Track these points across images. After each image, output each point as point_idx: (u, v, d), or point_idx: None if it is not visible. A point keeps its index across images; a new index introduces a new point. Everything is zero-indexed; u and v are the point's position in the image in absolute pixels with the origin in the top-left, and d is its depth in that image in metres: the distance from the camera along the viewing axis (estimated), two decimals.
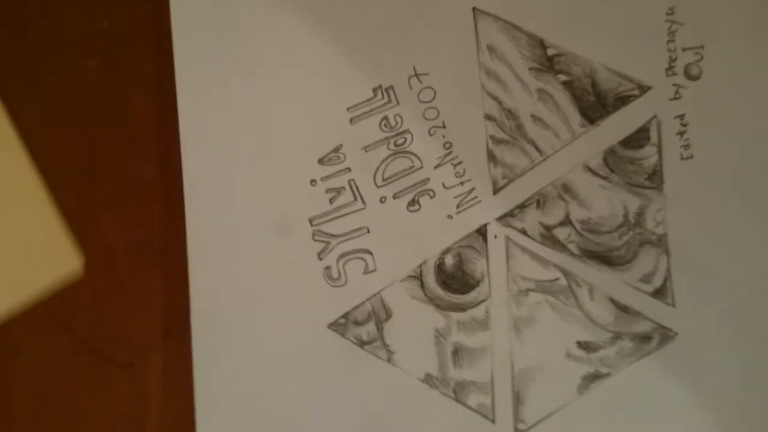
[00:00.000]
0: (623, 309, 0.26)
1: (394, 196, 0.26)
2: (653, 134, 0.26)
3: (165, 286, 0.26)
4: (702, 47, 0.26)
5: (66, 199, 0.26)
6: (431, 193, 0.26)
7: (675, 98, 0.26)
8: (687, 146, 0.26)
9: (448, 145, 0.26)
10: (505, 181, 0.26)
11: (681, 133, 0.26)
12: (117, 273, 0.26)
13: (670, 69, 0.26)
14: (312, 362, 0.25)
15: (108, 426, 0.26)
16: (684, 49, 0.26)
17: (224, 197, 0.25)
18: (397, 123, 0.25)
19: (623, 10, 0.26)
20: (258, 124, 0.25)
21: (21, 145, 0.25)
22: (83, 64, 0.26)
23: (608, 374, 0.25)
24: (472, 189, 0.26)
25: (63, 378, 0.26)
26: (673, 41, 0.25)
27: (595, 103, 0.26)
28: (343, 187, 0.25)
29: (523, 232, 0.26)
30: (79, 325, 0.26)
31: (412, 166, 0.26)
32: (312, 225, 0.25)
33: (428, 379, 0.25)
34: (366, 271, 0.25)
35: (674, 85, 0.26)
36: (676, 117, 0.26)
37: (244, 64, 0.25)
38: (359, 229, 0.25)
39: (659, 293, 0.26)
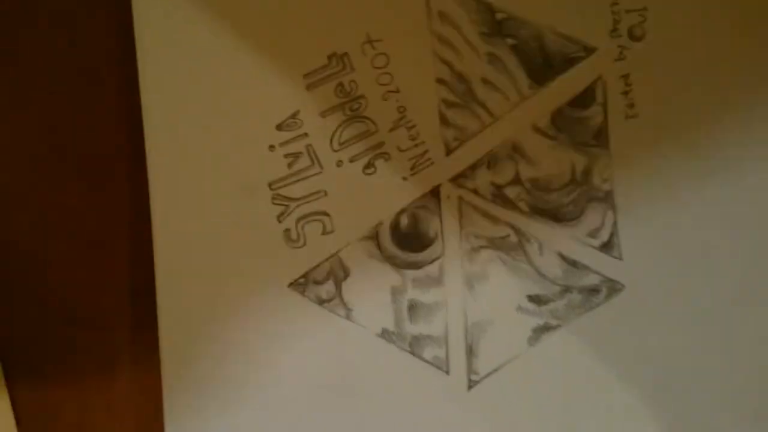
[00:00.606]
0: (572, 263, 0.27)
1: (351, 160, 0.26)
2: (599, 94, 0.26)
3: (132, 251, 0.27)
4: (645, 9, 0.26)
5: (32, 168, 0.27)
6: (386, 156, 0.26)
7: (619, 59, 0.26)
8: (631, 105, 0.26)
9: (401, 110, 0.26)
10: (457, 143, 0.27)
11: (625, 93, 0.26)
12: (86, 238, 0.27)
13: (614, 31, 0.26)
14: (274, 320, 0.26)
15: (80, 383, 0.27)
16: (627, 11, 0.26)
17: (186, 164, 0.26)
18: (352, 89, 0.26)
19: None
20: (218, 93, 0.26)
21: None
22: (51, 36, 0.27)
23: (558, 326, 0.27)
24: (426, 151, 0.27)
25: (35, 339, 0.27)
26: (617, 4, 0.26)
27: (542, 65, 0.26)
28: (301, 152, 0.26)
29: (475, 191, 0.27)
30: (50, 289, 0.27)
31: (368, 130, 0.26)
32: (271, 189, 0.26)
33: (385, 334, 0.26)
34: (324, 233, 0.26)
35: (619, 46, 0.26)
36: (620, 77, 0.26)
37: (204, 36, 0.26)
38: (317, 192, 0.26)
39: (606, 247, 0.27)
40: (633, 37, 0.26)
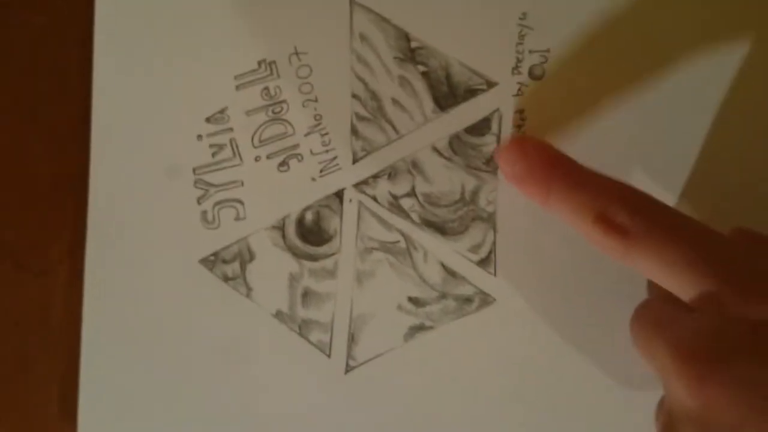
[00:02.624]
0: (451, 273, 0.29)
1: (268, 156, 0.30)
2: (494, 125, 0.29)
3: (75, 211, 0.31)
4: (548, 51, 0.29)
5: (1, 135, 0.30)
6: (299, 157, 0.30)
7: (517, 95, 0.29)
8: None
9: (318, 117, 0.29)
10: (364, 153, 0.29)
11: (519, 126, 0.29)
12: (39, 195, 0.31)
13: (516, 68, 0.29)
14: (183, 291, 0.30)
15: (18, 324, 0.31)
16: (531, 52, 0.29)
17: (124, 143, 0.29)
18: (276, 93, 0.29)
19: (480, 12, 0.29)
20: (158, 84, 0.29)
21: None
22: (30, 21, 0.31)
23: (431, 327, 0.29)
24: (335, 157, 0.30)
25: None
26: (521, 43, 0.29)
27: (447, 93, 0.29)
28: (225, 144, 0.30)
29: (374, 198, 0.30)
30: (4, 236, 0.31)
31: (286, 132, 0.30)
32: (195, 174, 0.30)
33: (279, 315, 0.30)
34: (237, 218, 0.30)
35: (518, 83, 0.29)
36: (516, 111, 0.29)
37: (153, 36, 0.29)
38: (235, 181, 0.30)
39: (484, 263, 0.29)
40: (533, 75, 0.29)
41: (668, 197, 0.29)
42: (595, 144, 0.29)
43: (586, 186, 0.25)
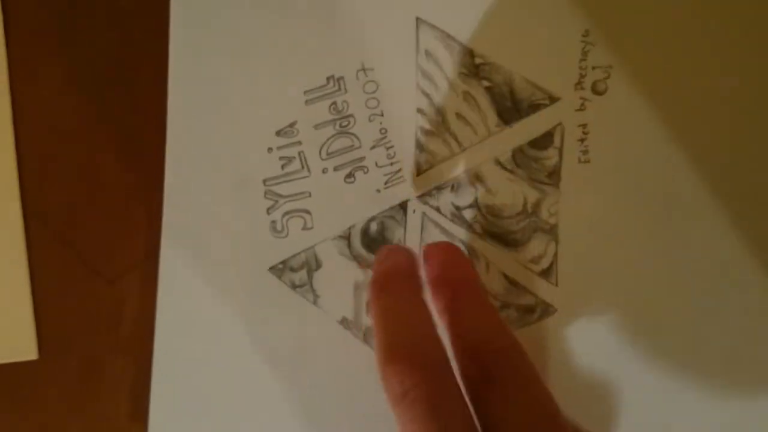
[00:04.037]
0: (513, 283, 0.30)
1: (335, 169, 0.31)
2: (557, 139, 0.30)
3: (147, 219, 0.32)
4: (611, 67, 0.29)
5: (76, 145, 0.32)
6: (365, 169, 0.31)
7: (580, 109, 0.30)
8: (585, 152, 0.30)
9: (383, 131, 0.30)
10: (428, 165, 0.30)
11: (581, 140, 0.30)
12: (113, 204, 0.32)
13: (579, 84, 0.30)
14: (253, 298, 0.31)
15: (91, 328, 0.32)
16: (594, 68, 0.30)
17: (198, 154, 0.31)
18: (343, 108, 0.31)
19: (545, 30, 0.30)
20: (232, 99, 0.31)
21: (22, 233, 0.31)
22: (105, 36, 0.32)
23: None
24: (399, 170, 0.30)
25: (59, 285, 0.32)
26: (585, 60, 0.30)
27: (510, 107, 0.30)
28: (294, 157, 0.31)
29: (437, 209, 0.30)
30: (79, 243, 0.32)
31: (352, 145, 0.31)
32: (265, 185, 0.31)
33: (344, 322, 0.31)
34: (304, 228, 0.31)
35: (581, 98, 0.30)
36: (579, 126, 0.30)
37: (227, 51, 0.30)
38: (303, 192, 0.31)
39: (545, 274, 0.30)
40: (595, 91, 0.30)
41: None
42: (661, 160, 0.29)
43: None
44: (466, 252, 0.30)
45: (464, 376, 0.23)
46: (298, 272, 0.31)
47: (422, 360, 0.22)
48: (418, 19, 0.30)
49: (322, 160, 0.31)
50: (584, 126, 0.30)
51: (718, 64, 0.29)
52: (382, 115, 0.30)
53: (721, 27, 0.29)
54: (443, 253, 0.26)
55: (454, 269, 0.26)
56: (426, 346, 0.23)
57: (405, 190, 0.30)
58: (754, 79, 0.29)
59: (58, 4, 0.32)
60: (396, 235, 0.31)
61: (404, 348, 0.22)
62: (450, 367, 0.23)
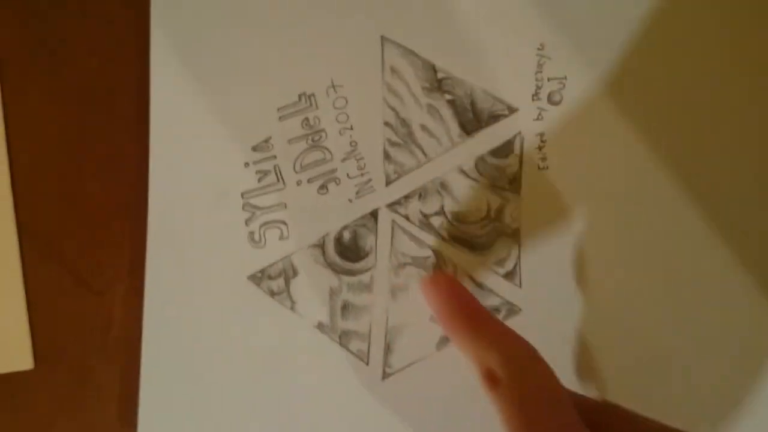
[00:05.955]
0: (479, 285, 0.32)
1: (308, 181, 0.32)
2: (516, 147, 0.31)
3: (133, 232, 0.34)
4: (565, 78, 0.31)
5: (63, 163, 0.34)
6: (337, 181, 0.32)
7: (537, 119, 0.31)
8: (544, 159, 0.31)
9: (353, 144, 0.32)
10: (396, 176, 0.32)
11: (540, 148, 0.31)
12: (100, 219, 0.34)
13: (536, 95, 0.31)
14: (234, 305, 0.32)
15: (81, 338, 0.34)
16: (549, 79, 0.31)
17: (178, 170, 0.32)
18: (315, 123, 0.32)
19: (501, 44, 0.31)
20: (210, 116, 0.32)
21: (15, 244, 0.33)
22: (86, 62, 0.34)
23: None
24: (369, 180, 0.32)
25: (50, 298, 0.34)
26: (540, 72, 0.31)
27: (472, 119, 0.32)
28: (270, 170, 0.32)
29: (406, 217, 0.32)
30: (68, 257, 0.34)
31: (324, 158, 0.32)
32: (243, 198, 0.32)
33: (320, 327, 0.32)
34: (281, 238, 0.32)
35: (538, 108, 0.31)
36: (537, 134, 0.31)
37: (206, 72, 0.32)
38: (279, 204, 0.32)
39: (509, 275, 0.32)
40: (551, 101, 0.31)
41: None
42: (616, 163, 0.31)
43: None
44: (433, 257, 0.32)
45: None
46: (275, 280, 0.32)
47: None
48: (383, 37, 0.32)
49: (296, 172, 0.32)
50: (542, 135, 0.31)
51: (670, 71, 0.31)
52: (351, 128, 0.32)
53: (671, 35, 0.31)
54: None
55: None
56: None
57: (375, 200, 0.32)
58: (706, 84, 0.31)
59: (43, 33, 0.34)
60: (368, 242, 0.32)
61: None
62: None
